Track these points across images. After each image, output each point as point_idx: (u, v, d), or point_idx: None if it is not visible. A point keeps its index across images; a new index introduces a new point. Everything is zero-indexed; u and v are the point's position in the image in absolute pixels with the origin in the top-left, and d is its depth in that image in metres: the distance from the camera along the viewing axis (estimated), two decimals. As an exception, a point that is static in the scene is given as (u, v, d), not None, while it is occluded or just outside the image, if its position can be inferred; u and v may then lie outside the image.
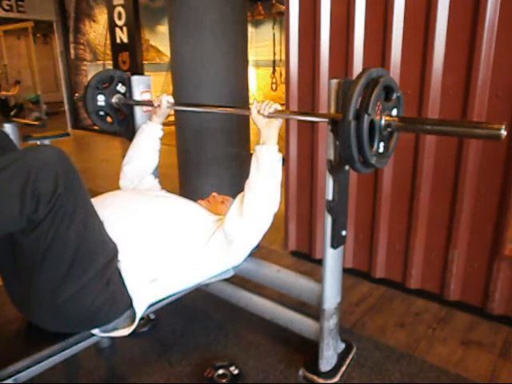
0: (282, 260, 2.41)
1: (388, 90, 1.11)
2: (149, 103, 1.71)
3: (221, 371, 1.46)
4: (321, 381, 1.42)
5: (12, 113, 8.48)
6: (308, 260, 2.39)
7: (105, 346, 1.67)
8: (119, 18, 5.36)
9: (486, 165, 1.69)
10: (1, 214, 0.91)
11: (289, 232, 2.42)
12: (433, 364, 1.57)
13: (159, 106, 1.62)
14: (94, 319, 1.14)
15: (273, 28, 7.89)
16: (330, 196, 1.26)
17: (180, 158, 2.83)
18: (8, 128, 1.46)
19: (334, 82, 1.16)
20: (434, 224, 1.88)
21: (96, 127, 1.90)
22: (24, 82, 9.19)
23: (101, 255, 1.09)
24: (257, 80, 10.10)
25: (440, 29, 1.67)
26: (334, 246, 1.30)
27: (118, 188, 1.65)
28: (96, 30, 7.25)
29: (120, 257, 1.17)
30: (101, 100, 1.78)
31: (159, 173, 1.78)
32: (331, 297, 1.38)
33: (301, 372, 1.47)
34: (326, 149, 1.22)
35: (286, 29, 2.12)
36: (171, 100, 1.63)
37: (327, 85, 1.22)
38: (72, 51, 7.45)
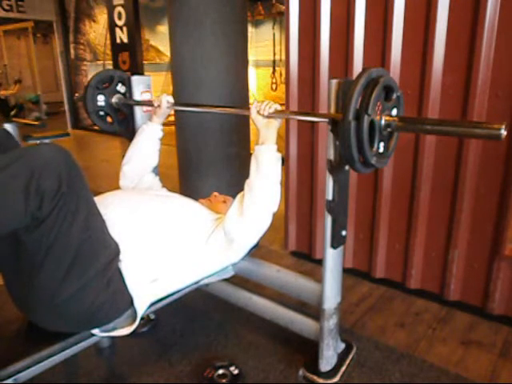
0: (282, 260, 2.41)
1: (388, 90, 1.11)
2: (149, 103, 1.71)
3: (221, 371, 1.46)
4: (321, 381, 1.42)
5: (12, 113, 8.48)
6: (308, 260, 2.38)
7: (105, 346, 1.67)
8: (119, 18, 5.36)
9: (486, 165, 1.69)
10: (6, 211, 0.92)
11: (289, 232, 2.42)
12: (433, 364, 1.57)
13: (159, 106, 1.62)
14: (94, 319, 1.14)
15: (273, 28, 7.90)
16: (329, 196, 1.25)
17: (180, 158, 2.83)
18: (8, 128, 1.46)
19: (334, 81, 1.16)
20: (434, 224, 1.88)
21: (96, 127, 1.90)
22: (24, 82, 9.19)
23: (102, 254, 1.10)
24: (257, 80, 10.10)
25: (440, 29, 1.67)
26: (334, 246, 1.30)
27: (118, 188, 1.65)
28: (96, 30, 7.25)
29: (121, 256, 1.17)
30: (101, 100, 1.78)
31: (159, 172, 1.78)
32: (331, 297, 1.38)
33: (301, 372, 1.47)
34: (326, 149, 1.22)
35: (286, 29, 2.12)
36: (171, 100, 1.63)
37: (327, 85, 1.22)
38: (72, 51, 7.45)
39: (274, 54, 8.12)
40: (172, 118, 2.65)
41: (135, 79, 1.77)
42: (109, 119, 1.84)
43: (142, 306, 1.22)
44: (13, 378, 1.04)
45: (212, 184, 2.65)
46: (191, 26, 2.46)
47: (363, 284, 2.15)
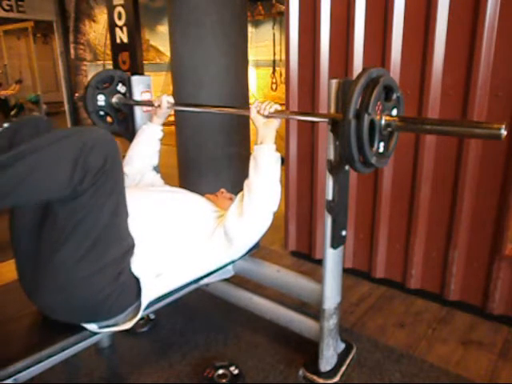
0: (281, 260, 2.41)
1: (388, 90, 1.11)
2: (149, 103, 1.71)
3: (221, 371, 1.46)
4: (321, 381, 1.42)
5: (12, 112, 8.46)
6: (308, 260, 2.38)
7: (105, 346, 1.67)
8: (119, 18, 5.36)
9: (486, 165, 1.69)
10: (53, 178, 0.96)
11: (289, 232, 2.42)
12: (433, 364, 1.56)
13: (159, 106, 1.62)
14: (98, 309, 1.15)
15: (273, 28, 7.90)
16: (329, 196, 1.25)
17: (180, 158, 2.83)
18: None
19: (334, 81, 1.16)
20: (434, 224, 1.88)
21: (103, 128, 1.90)
22: (24, 82, 9.18)
23: (121, 244, 1.13)
24: (257, 80, 10.11)
25: (440, 29, 1.67)
26: (334, 246, 1.30)
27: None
28: (96, 30, 7.25)
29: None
30: (101, 100, 1.78)
31: (159, 172, 1.77)
32: (331, 297, 1.38)
33: (301, 372, 1.47)
34: (326, 149, 1.22)
35: (286, 29, 2.12)
36: (171, 100, 1.63)
37: (327, 85, 1.22)
38: (72, 51, 7.44)
39: (274, 54, 8.12)
40: (172, 118, 2.66)
41: (135, 79, 1.77)
42: (109, 119, 1.84)
43: (144, 302, 1.22)
44: (13, 378, 1.04)
45: (212, 184, 2.65)
46: (191, 26, 2.46)
47: (363, 284, 2.15)
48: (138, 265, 1.19)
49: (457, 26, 1.64)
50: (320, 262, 1.41)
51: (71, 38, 7.38)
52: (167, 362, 1.59)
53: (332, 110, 1.18)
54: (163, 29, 7.98)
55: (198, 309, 1.94)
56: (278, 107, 1.30)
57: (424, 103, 1.76)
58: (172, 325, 1.82)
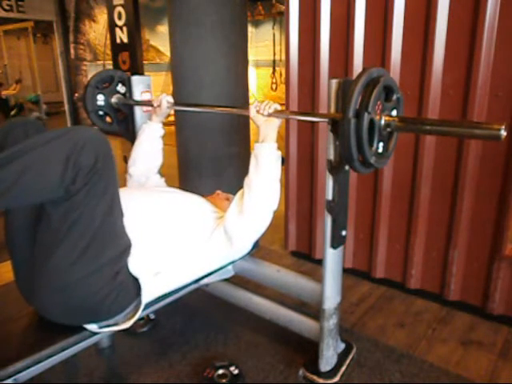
0: (281, 260, 2.41)
1: (388, 91, 1.11)
2: (148, 103, 1.71)
3: (221, 371, 1.46)
4: (321, 381, 1.42)
5: (12, 112, 8.47)
6: (308, 260, 2.38)
7: (105, 346, 1.67)
8: (119, 18, 5.36)
9: (486, 165, 1.69)
10: (45, 179, 0.97)
11: (289, 232, 2.42)
12: (433, 364, 1.56)
13: (159, 106, 1.62)
14: (95, 310, 1.15)
15: (273, 28, 7.90)
16: (329, 196, 1.26)
17: (180, 158, 2.83)
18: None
19: (334, 81, 1.16)
20: (434, 224, 1.88)
21: (96, 127, 1.90)
22: (24, 82, 9.19)
23: (117, 243, 1.12)
24: (257, 80, 10.11)
25: (440, 29, 1.67)
26: (334, 245, 1.30)
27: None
28: (96, 30, 7.25)
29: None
30: (100, 100, 1.78)
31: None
32: (331, 297, 1.38)
33: (301, 372, 1.47)
34: (326, 149, 1.22)
35: (285, 29, 2.12)
36: (171, 100, 1.63)
37: (327, 85, 1.22)
38: (72, 51, 7.44)
39: (274, 54, 8.12)
40: (172, 118, 2.66)
41: (135, 79, 1.77)
42: (108, 119, 1.84)
43: (143, 301, 1.22)
44: (13, 378, 1.04)
45: (212, 183, 2.65)
46: (191, 26, 2.46)
47: (363, 284, 2.15)
48: (136, 263, 1.18)
49: (457, 25, 1.64)
50: (320, 262, 1.41)
51: (71, 38, 7.38)
52: (167, 362, 1.59)
53: (332, 109, 1.18)
54: (163, 29, 7.97)
55: (197, 309, 1.94)
56: (278, 107, 1.30)
57: (424, 103, 1.76)
58: (172, 325, 1.82)
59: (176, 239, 1.32)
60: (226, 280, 1.73)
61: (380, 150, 1.12)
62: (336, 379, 1.43)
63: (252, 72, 9.78)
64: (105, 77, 1.79)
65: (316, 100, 2.07)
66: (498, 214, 1.70)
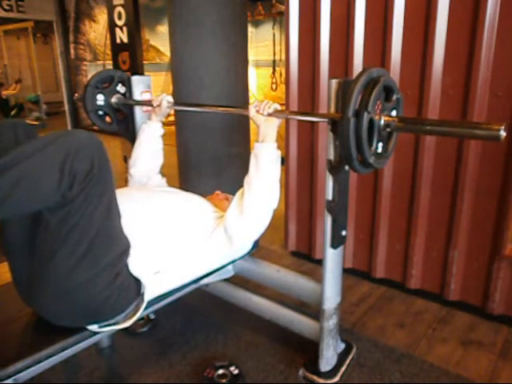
0: (281, 260, 2.41)
1: (388, 91, 1.11)
2: (148, 103, 1.71)
3: (221, 371, 1.46)
4: (321, 381, 1.42)
5: (12, 112, 8.47)
6: (308, 260, 2.38)
7: (105, 346, 1.67)
8: (119, 18, 5.35)
9: (486, 165, 1.69)
10: (41, 187, 0.95)
11: (289, 232, 2.42)
12: (433, 364, 1.56)
13: (159, 105, 1.62)
14: (97, 312, 1.15)
15: (273, 28, 7.90)
16: (329, 196, 1.25)
17: (180, 158, 2.83)
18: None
19: (334, 81, 1.16)
20: (434, 224, 1.88)
21: (96, 127, 1.90)
22: (24, 82, 9.19)
23: (116, 246, 1.12)
24: (257, 80, 10.10)
25: (440, 29, 1.67)
26: (334, 245, 1.30)
27: (117, 188, 1.65)
28: (96, 30, 7.25)
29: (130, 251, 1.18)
30: (100, 99, 1.78)
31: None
32: (331, 297, 1.38)
33: (301, 372, 1.47)
34: (326, 149, 1.22)
35: (285, 29, 2.12)
36: (171, 100, 1.63)
37: (327, 85, 1.22)
38: (72, 51, 7.44)
39: (274, 54, 8.12)
40: (172, 118, 2.66)
41: (135, 79, 1.77)
42: (108, 119, 1.84)
43: (144, 299, 1.23)
44: (13, 378, 1.04)
45: (212, 183, 2.65)
46: (191, 26, 2.46)
47: (363, 284, 2.15)
48: (137, 264, 1.19)
49: (457, 25, 1.64)
50: (320, 262, 1.41)
51: (71, 38, 7.38)
52: (167, 362, 1.59)
53: (332, 109, 1.18)
54: (163, 29, 7.97)
55: (197, 309, 1.94)
56: (278, 107, 1.30)
57: (424, 103, 1.76)
58: (172, 325, 1.82)
59: (176, 239, 1.32)
60: (226, 280, 1.73)
61: (379, 150, 1.12)
62: (336, 379, 1.43)
63: (252, 72, 9.78)
64: (105, 77, 1.79)
65: (316, 100, 2.07)
66: (498, 213, 1.70)
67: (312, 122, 2.14)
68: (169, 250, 1.30)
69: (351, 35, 1.90)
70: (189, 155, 2.73)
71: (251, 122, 1.36)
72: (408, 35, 1.77)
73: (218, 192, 1.68)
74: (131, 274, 1.18)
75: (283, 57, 2.59)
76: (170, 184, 1.73)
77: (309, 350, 1.53)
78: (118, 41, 5.48)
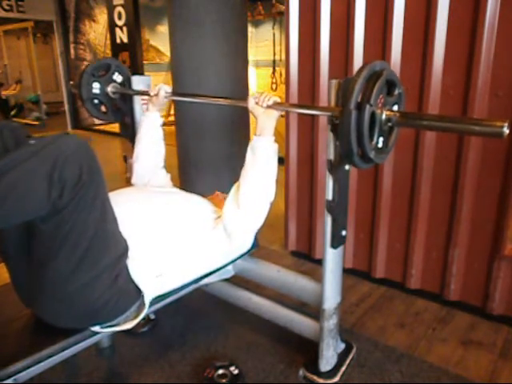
0: (281, 260, 2.41)
1: (390, 85, 1.10)
2: (146, 93, 1.70)
3: (221, 371, 1.46)
4: (321, 381, 1.42)
5: (12, 113, 8.47)
6: (308, 260, 2.38)
7: (105, 346, 1.67)
8: (119, 18, 5.36)
9: (487, 164, 1.69)
10: (30, 198, 0.94)
11: (289, 232, 2.42)
12: (433, 364, 1.56)
13: (156, 95, 1.61)
14: (98, 314, 1.15)
15: (273, 28, 7.88)
16: (329, 196, 1.25)
17: (180, 158, 2.83)
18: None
19: (334, 81, 1.16)
20: (434, 224, 1.88)
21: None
22: (24, 82, 9.18)
23: (113, 249, 1.11)
24: (257, 80, 10.09)
25: (440, 29, 1.67)
26: (334, 245, 1.30)
27: (118, 188, 1.65)
28: (96, 30, 7.24)
29: (129, 253, 1.18)
30: (96, 88, 1.76)
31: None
32: (331, 297, 1.38)
33: (301, 372, 1.47)
34: (326, 149, 1.22)
35: (286, 29, 2.12)
36: (168, 89, 1.62)
37: (327, 85, 1.21)
38: (72, 51, 7.44)
39: (274, 54, 8.10)
40: (172, 118, 2.66)
41: (135, 79, 1.77)
42: (103, 108, 1.82)
43: (146, 301, 1.22)
44: (13, 378, 1.04)
45: (212, 183, 2.64)
46: (191, 26, 2.46)
47: (363, 284, 2.15)
48: (137, 266, 1.18)
49: (457, 26, 1.64)
50: (320, 262, 1.41)
51: (71, 37, 7.37)
52: (167, 362, 1.59)
53: (332, 105, 1.18)
54: (163, 29, 7.97)
55: (197, 309, 1.94)
56: (277, 99, 1.29)
57: (424, 103, 1.75)
58: (172, 325, 1.82)
59: (177, 240, 1.32)
60: (226, 280, 1.73)
61: (380, 145, 1.10)
62: (336, 379, 1.43)
63: (252, 72, 9.77)
64: (102, 64, 1.77)
65: (316, 100, 2.07)
66: (499, 213, 1.70)
67: (312, 123, 2.14)
68: (170, 252, 1.29)
69: (351, 35, 1.90)
70: (189, 155, 2.73)
71: (251, 122, 1.36)
72: (408, 35, 1.77)
73: (217, 193, 1.68)
74: (132, 277, 1.17)
75: (283, 57, 2.59)
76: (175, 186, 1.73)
77: (309, 349, 1.53)
78: (118, 41, 5.49)
